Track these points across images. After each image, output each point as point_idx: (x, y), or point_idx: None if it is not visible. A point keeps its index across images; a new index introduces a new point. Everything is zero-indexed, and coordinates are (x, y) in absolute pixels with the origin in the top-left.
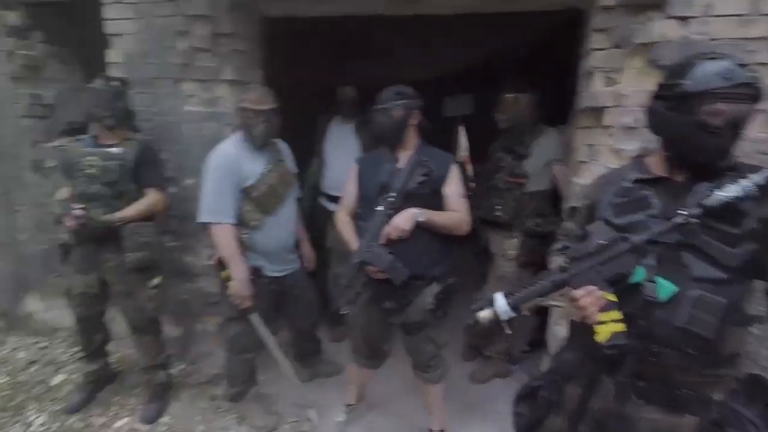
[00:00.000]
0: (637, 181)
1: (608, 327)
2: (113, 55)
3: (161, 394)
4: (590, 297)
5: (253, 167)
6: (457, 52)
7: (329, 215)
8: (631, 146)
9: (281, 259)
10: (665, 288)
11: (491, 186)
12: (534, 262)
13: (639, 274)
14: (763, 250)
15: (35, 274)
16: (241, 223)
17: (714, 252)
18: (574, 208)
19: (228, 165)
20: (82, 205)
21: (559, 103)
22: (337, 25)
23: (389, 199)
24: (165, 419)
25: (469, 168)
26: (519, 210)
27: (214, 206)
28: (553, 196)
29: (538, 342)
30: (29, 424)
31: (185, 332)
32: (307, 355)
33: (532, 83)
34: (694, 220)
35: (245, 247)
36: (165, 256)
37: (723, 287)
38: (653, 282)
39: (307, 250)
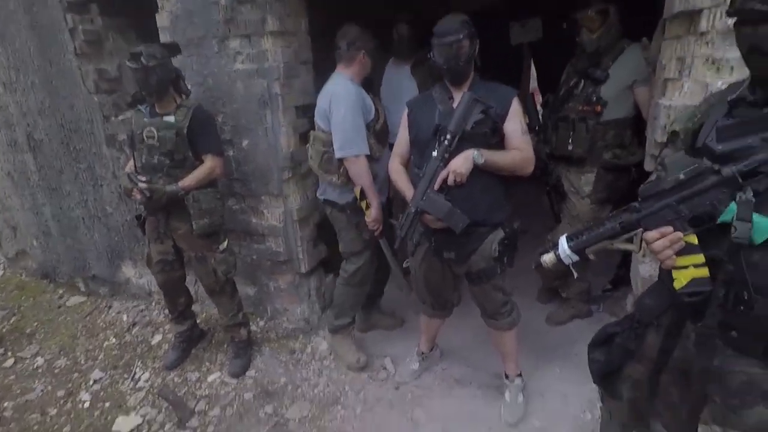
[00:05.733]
0: (754, 100)
1: (688, 272)
2: (162, 18)
3: (244, 350)
4: (665, 240)
5: (370, 102)
6: None
7: None
8: (735, 54)
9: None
10: (763, 228)
11: (562, 117)
12: (613, 198)
13: (729, 212)
14: None
15: (126, 243)
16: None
17: None
18: (674, 133)
19: (359, 100)
20: (146, 178)
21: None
22: None
23: (444, 142)
24: (251, 373)
25: (538, 99)
26: (594, 142)
27: (354, 139)
28: (635, 124)
29: (622, 280)
30: (137, 380)
31: (260, 290)
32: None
33: None
34: None
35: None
36: (231, 218)
37: None
38: (747, 221)
39: None
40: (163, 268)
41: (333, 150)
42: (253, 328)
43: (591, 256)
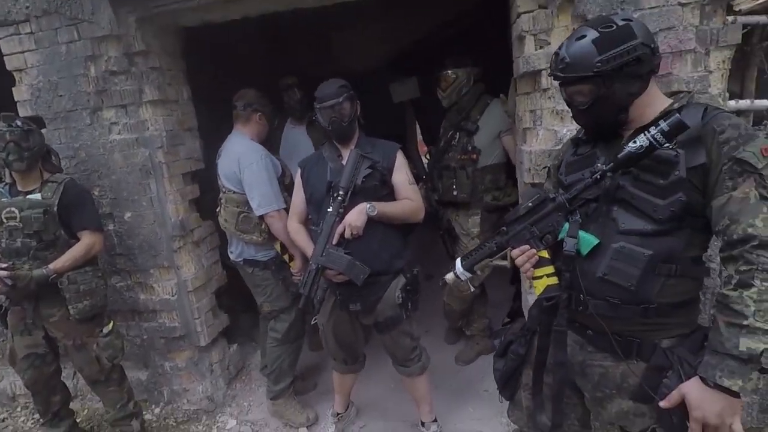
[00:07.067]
0: (586, 139)
1: (543, 281)
2: (20, 92)
3: None
4: (524, 256)
5: (275, 159)
6: (396, 35)
7: None
8: None
9: None
10: (586, 241)
11: (445, 166)
12: None
13: (564, 230)
14: (698, 200)
15: None
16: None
17: (640, 204)
18: (548, 170)
19: (267, 157)
20: (6, 264)
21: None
22: (270, 24)
23: (338, 197)
24: None
25: (425, 151)
26: (475, 186)
27: (272, 195)
28: (507, 168)
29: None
30: None
31: (153, 373)
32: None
33: (476, 55)
34: (608, 175)
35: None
36: (116, 297)
37: (650, 239)
38: (573, 237)
39: None
40: (32, 364)
41: (249, 209)
42: (148, 416)
43: (479, 272)
